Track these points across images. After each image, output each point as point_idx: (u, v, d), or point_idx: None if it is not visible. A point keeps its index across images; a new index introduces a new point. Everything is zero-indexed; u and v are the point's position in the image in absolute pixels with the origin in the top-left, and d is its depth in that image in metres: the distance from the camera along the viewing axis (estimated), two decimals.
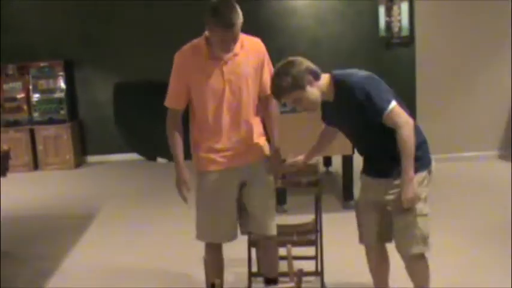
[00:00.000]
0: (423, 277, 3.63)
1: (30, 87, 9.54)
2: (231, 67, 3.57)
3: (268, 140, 3.82)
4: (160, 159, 9.89)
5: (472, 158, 8.52)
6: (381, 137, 3.45)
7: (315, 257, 4.44)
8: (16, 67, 9.53)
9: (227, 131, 3.67)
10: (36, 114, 9.55)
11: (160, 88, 9.62)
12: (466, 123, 8.59)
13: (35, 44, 9.58)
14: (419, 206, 3.42)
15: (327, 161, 8.37)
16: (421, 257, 3.53)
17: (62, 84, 9.57)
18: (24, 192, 7.94)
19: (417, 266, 3.56)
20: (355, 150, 6.50)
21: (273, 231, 3.88)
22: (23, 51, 9.54)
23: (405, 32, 8.69)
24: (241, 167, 3.70)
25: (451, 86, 8.50)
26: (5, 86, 9.56)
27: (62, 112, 9.58)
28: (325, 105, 3.55)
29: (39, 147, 9.54)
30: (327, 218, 4.38)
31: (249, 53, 3.64)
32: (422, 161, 3.46)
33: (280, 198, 6.21)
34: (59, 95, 9.57)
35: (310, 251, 4.39)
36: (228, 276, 3.89)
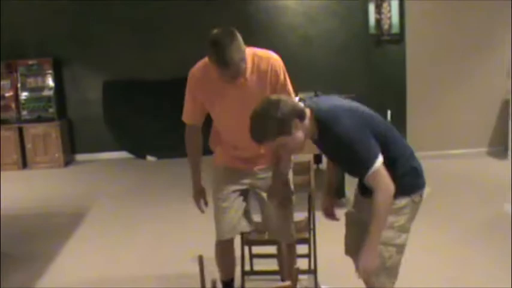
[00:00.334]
0: None
1: (19, 85, 9.46)
2: (242, 89, 3.46)
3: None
4: (149, 157, 9.85)
5: (461, 155, 8.57)
6: None
7: (308, 255, 4.43)
8: (4, 65, 9.44)
9: (242, 147, 3.69)
10: (24, 113, 9.49)
11: (149, 86, 9.73)
12: (456, 120, 8.62)
13: (23, 41, 9.51)
14: (389, 234, 3.12)
15: (318, 159, 8.35)
16: None
17: (51, 82, 9.51)
18: (13, 191, 7.88)
19: None
20: None
21: (290, 239, 3.92)
22: (11, 49, 9.46)
23: (395, 30, 8.68)
24: (254, 172, 3.75)
25: (441, 83, 8.53)
26: None
27: (51, 110, 9.52)
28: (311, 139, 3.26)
29: (28, 145, 9.47)
30: (319, 216, 4.37)
31: (261, 72, 3.51)
32: (404, 187, 3.12)
33: None
34: (48, 93, 9.50)
35: (303, 249, 4.37)
36: (215, 272, 3.86)
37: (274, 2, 9.92)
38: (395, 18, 8.64)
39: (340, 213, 3.61)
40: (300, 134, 3.01)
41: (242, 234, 4.08)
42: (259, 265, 4.54)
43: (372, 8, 9.59)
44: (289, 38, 10.00)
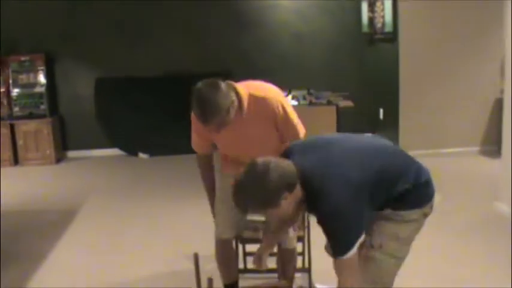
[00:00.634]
0: None
1: (11, 81, 9.40)
2: (240, 128, 3.44)
3: None
4: (141, 155, 9.83)
5: (454, 154, 8.59)
6: None
7: (302, 253, 4.44)
8: None
9: None
10: (16, 109, 9.42)
11: (141, 83, 9.71)
12: (448, 119, 8.65)
13: (15, 38, 9.45)
14: (393, 246, 2.97)
15: None
16: None
17: (43, 79, 9.46)
18: (4, 188, 7.84)
19: None
20: None
21: (292, 245, 3.98)
22: (3, 45, 9.40)
23: (388, 28, 8.69)
24: None
25: (433, 82, 8.55)
26: None
27: (43, 107, 9.46)
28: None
29: (20, 142, 9.42)
30: None
31: (258, 112, 3.46)
32: (414, 202, 2.98)
33: None
34: (40, 89, 9.44)
35: (297, 247, 4.37)
36: (215, 272, 3.86)
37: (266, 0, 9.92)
38: (388, 17, 8.64)
39: None
40: (289, 205, 2.75)
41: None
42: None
43: (365, 6, 9.62)
44: (282, 36, 10.02)
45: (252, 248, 4.50)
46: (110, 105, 9.85)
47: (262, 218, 3.89)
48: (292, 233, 3.87)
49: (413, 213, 2.98)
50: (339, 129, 6.49)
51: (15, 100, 9.42)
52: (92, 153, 10.04)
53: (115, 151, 10.01)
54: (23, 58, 9.38)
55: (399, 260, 3.03)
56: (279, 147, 3.40)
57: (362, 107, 8.90)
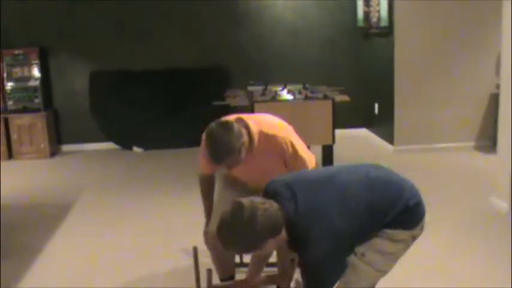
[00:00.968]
0: None
1: (4, 75, 9.36)
2: (254, 162, 3.53)
3: None
4: (136, 148, 9.81)
5: (449, 149, 8.59)
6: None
7: None
8: None
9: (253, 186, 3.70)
10: (10, 103, 9.39)
11: (136, 77, 9.69)
12: (443, 114, 8.65)
13: (9, 31, 9.41)
14: (375, 259, 2.94)
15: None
16: None
17: (37, 73, 9.42)
18: None
19: None
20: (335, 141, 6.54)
21: None
22: None
23: (384, 23, 8.68)
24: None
25: (429, 77, 8.55)
26: None
27: (37, 101, 9.42)
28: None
29: (14, 136, 9.38)
30: None
31: (268, 149, 3.54)
32: (403, 224, 2.95)
33: None
34: (34, 83, 9.40)
35: None
36: (212, 265, 3.85)
37: None
38: (384, 11, 8.63)
39: None
40: (273, 245, 2.81)
41: None
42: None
43: (360, 1, 9.63)
44: (278, 31, 10.01)
45: None
46: (105, 99, 9.82)
47: None
48: None
49: (402, 234, 2.96)
50: (335, 123, 6.48)
51: (9, 94, 9.38)
52: (86, 147, 10.02)
53: (109, 145, 9.99)
54: (16, 52, 9.33)
55: (380, 272, 3.01)
56: None
57: (357, 101, 8.89)
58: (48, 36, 9.64)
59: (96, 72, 9.79)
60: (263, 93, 7.06)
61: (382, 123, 9.35)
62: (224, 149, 3.28)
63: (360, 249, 2.94)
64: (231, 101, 6.90)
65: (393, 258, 3.01)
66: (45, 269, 5.01)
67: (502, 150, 6.05)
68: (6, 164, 8.96)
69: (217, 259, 3.95)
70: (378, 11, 8.87)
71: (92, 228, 6.04)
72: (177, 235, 5.60)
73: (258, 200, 2.75)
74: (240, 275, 4.27)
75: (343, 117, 8.52)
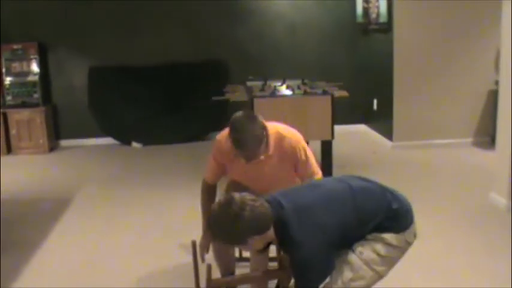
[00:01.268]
0: None
1: (3, 70, 9.34)
2: (265, 166, 3.69)
3: None
4: (134, 144, 9.81)
5: (447, 145, 8.60)
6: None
7: None
8: None
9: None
10: (9, 98, 9.38)
11: (135, 72, 9.69)
12: (442, 110, 8.66)
13: (8, 25, 9.39)
14: (373, 257, 2.98)
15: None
16: None
17: (36, 68, 9.41)
18: None
19: None
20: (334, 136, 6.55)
21: None
22: None
23: (383, 19, 8.68)
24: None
25: (428, 73, 8.56)
26: None
27: (36, 96, 9.41)
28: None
29: (12, 131, 9.38)
30: None
31: (285, 153, 3.69)
32: (392, 228, 3.01)
33: None
34: (33, 78, 9.39)
35: None
36: (213, 261, 3.85)
37: None
38: (383, 7, 8.63)
39: None
40: (259, 243, 2.89)
41: None
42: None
43: None
44: (277, 26, 10.01)
45: None
46: (103, 95, 9.81)
47: None
48: None
49: (394, 238, 3.01)
50: (334, 119, 6.48)
51: (8, 89, 9.37)
52: (84, 143, 10.02)
53: (108, 140, 9.99)
54: (15, 46, 9.32)
55: (375, 274, 3.02)
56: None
57: (356, 97, 8.89)
58: (47, 31, 9.63)
59: (95, 67, 9.78)
60: (262, 89, 7.05)
61: (381, 119, 9.36)
62: (248, 136, 3.43)
63: (357, 248, 3.00)
64: (230, 97, 6.90)
65: (388, 262, 3.04)
66: (43, 264, 5.01)
67: (500, 146, 6.06)
68: (5, 159, 8.96)
69: (218, 255, 3.96)
70: (377, 7, 8.87)
71: (90, 223, 6.04)
72: (176, 230, 5.61)
73: (250, 196, 2.83)
74: (241, 269, 4.28)
75: (342, 114, 8.52)
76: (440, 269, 4.59)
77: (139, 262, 4.96)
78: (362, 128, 10.28)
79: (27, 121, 9.38)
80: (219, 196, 3.87)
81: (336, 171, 6.49)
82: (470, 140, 8.77)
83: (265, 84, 7.33)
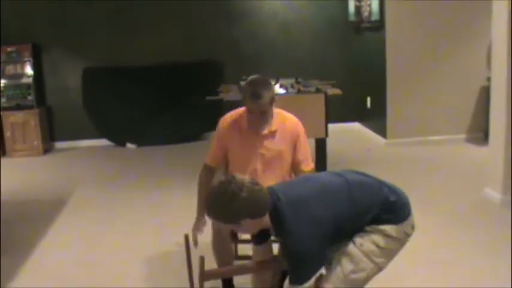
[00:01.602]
0: None
1: None
2: (266, 142, 3.86)
3: None
4: (129, 145, 9.82)
5: (441, 141, 8.64)
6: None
7: None
8: None
9: None
10: (3, 100, 9.37)
11: (129, 73, 9.69)
12: (435, 107, 8.71)
13: (2, 28, 9.37)
14: (372, 248, 3.01)
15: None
16: None
17: (30, 70, 9.41)
18: None
19: None
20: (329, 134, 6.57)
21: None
22: None
23: (375, 17, 8.71)
24: None
25: (420, 70, 8.59)
26: None
27: (30, 98, 9.41)
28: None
29: (7, 133, 9.38)
30: None
31: (287, 131, 3.87)
32: (389, 220, 3.04)
33: None
34: (27, 80, 9.39)
35: None
36: (206, 254, 3.87)
37: None
38: (375, 5, 8.66)
39: None
40: (251, 227, 2.96)
41: None
42: (245, 250, 4.54)
43: None
44: (270, 25, 10.03)
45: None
46: (98, 96, 9.81)
47: None
48: None
49: (393, 229, 3.04)
50: (328, 116, 6.51)
51: (2, 91, 9.37)
52: (79, 144, 10.03)
53: (103, 141, 10.01)
54: (9, 49, 9.32)
55: (375, 266, 3.05)
56: (288, 174, 3.92)
57: (350, 96, 8.93)
58: (41, 33, 9.62)
59: (89, 68, 9.78)
60: (285, 88, 7.08)
61: (375, 117, 9.39)
62: (266, 86, 3.72)
63: (357, 240, 3.03)
64: (224, 96, 6.92)
65: (387, 254, 3.07)
66: (40, 265, 5.02)
67: (493, 142, 6.09)
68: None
69: (216, 249, 3.96)
70: (369, 5, 8.90)
71: (85, 225, 6.05)
72: (170, 231, 5.61)
73: (251, 180, 2.92)
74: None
75: (336, 112, 8.56)
76: (437, 264, 4.62)
77: (134, 262, 4.98)
78: (356, 126, 10.31)
79: (22, 123, 9.37)
80: None
81: (330, 169, 6.49)
82: (463, 136, 8.81)
83: None
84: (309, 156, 3.96)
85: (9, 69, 9.36)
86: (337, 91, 6.79)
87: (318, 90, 6.67)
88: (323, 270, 3.00)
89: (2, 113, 9.36)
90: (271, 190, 2.97)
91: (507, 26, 5.63)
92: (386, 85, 8.64)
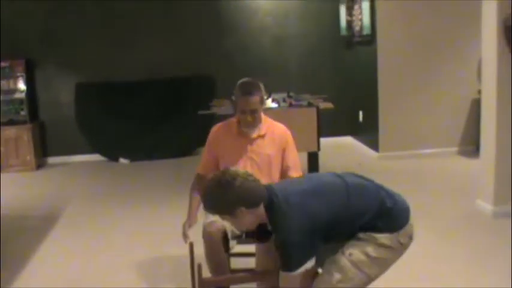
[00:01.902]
0: None
1: None
2: (255, 146, 3.98)
3: None
4: (122, 160, 9.82)
5: (432, 154, 8.68)
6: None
7: None
8: None
9: None
10: None
11: (122, 88, 9.70)
12: (427, 120, 8.75)
13: None
14: (361, 258, 3.01)
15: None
16: None
17: (22, 85, 9.42)
18: None
19: None
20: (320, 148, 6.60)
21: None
22: None
23: (367, 31, 8.76)
24: None
25: (412, 84, 8.64)
26: None
27: (23, 113, 9.43)
28: None
29: (1, 149, 9.36)
30: None
31: (275, 137, 4.00)
32: (383, 227, 3.05)
33: None
34: (20, 95, 9.40)
35: None
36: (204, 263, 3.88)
37: (245, 2, 9.97)
38: (366, 20, 8.72)
39: None
40: (247, 219, 2.99)
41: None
42: (237, 264, 4.54)
43: (343, 9, 9.71)
44: (262, 39, 10.08)
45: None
46: (90, 111, 9.82)
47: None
48: None
49: (386, 238, 3.03)
50: (320, 130, 6.55)
51: None
52: (72, 159, 10.02)
53: (95, 157, 10.01)
54: (3, 64, 9.32)
55: (365, 275, 3.05)
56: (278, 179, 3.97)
57: (342, 110, 8.98)
58: (34, 48, 9.64)
59: (81, 83, 9.80)
60: (276, 102, 7.11)
61: (367, 131, 9.42)
62: (256, 86, 3.93)
63: (347, 249, 3.04)
64: (216, 110, 6.94)
65: (379, 264, 3.06)
66: (32, 280, 5.00)
67: (484, 154, 6.13)
68: None
69: (210, 258, 3.96)
70: (361, 20, 8.95)
71: (78, 240, 6.04)
72: (163, 246, 5.61)
73: (245, 171, 3.08)
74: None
75: (328, 126, 8.58)
76: (429, 275, 4.63)
77: (127, 278, 4.97)
78: (348, 140, 10.34)
79: (15, 138, 9.36)
80: None
81: None
82: (455, 149, 8.85)
83: None
84: (298, 163, 4.08)
85: (3, 84, 9.36)
86: (329, 105, 6.83)
87: (310, 104, 6.71)
88: (320, 270, 3.06)
89: None
90: (269, 187, 3.05)
91: (496, 40, 5.68)
92: (378, 99, 8.68)
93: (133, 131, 9.67)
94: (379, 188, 3.17)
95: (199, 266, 3.22)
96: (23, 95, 9.42)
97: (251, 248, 3.96)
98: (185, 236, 3.86)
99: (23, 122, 9.41)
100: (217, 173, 3.05)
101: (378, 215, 3.02)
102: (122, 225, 6.45)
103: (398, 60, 8.57)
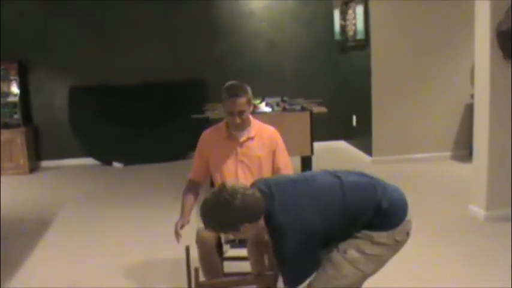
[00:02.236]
0: None
1: None
2: (245, 149, 4.01)
3: None
4: (115, 164, 9.81)
5: (426, 159, 8.70)
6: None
7: None
8: None
9: None
10: None
11: (115, 92, 9.70)
12: (420, 125, 8.77)
13: None
14: (356, 256, 3.03)
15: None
16: None
17: (16, 89, 9.40)
18: None
19: None
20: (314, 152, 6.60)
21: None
22: None
23: (360, 36, 8.78)
24: None
25: (405, 89, 8.66)
26: None
27: (16, 116, 9.40)
28: None
29: None
30: None
31: (264, 139, 4.04)
32: (380, 225, 3.06)
33: None
34: (13, 99, 9.38)
35: None
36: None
37: (239, 7, 9.98)
38: (360, 24, 8.74)
39: None
40: (250, 231, 3.00)
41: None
42: (230, 268, 4.54)
43: (337, 14, 9.73)
44: (256, 44, 10.09)
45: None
46: (84, 114, 9.81)
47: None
48: None
49: (382, 236, 3.04)
50: (313, 134, 6.56)
51: None
52: (65, 163, 10.00)
53: (89, 160, 9.99)
54: None
55: (360, 272, 3.06)
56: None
57: (335, 114, 8.99)
58: (27, 51, 9.63)
59: (75, 87, 9.79)
60: (270, 106, 7.12)
61: (361, 135, 9.44)
62: (242, 88, 3.95)
63: (342, 246, 3.05)
64: (210, 114, 6.94)
65: (375, 260, 3.07)
66: (25, 283, 4.99)
67: (477, 159, 6.14)
68: None
69: (204, 259, 3.96)
70: (354, 24, 8.98)
71: (71, 244, 6.03)
72: (156, 250, 5.61)
73: (242, 185, 2.99)
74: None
75: (321, 130, 8.59)
76: (422, 280, 4.64)
77: (121, 280, 4.96)
78: (342, 144, 10.36)
79: (8, 142, 9.33)
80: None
81: None
82: (448, 153, 8.87)
83: None
84: (289, 163, 4.10)
85: None
86: (322, 109, 6.84)
87: (303, 109, 6.72)
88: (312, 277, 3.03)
89: None
90: (264, 187, 3.02)
91: (489, 45, 5.70)
92: (371, 103, 8.70)
93: (126, 135, 9.66)
94: (376, 187, 3.14)
95: (197, 270, 3.22)
96: (16, 99, 9.38)
97: (244, 252, 3.96)
98: (177, 234, 3.83)
99: (17, 126, 9.38)
100: (214, 192, 2.95)
101: (374, 216, 3.03)
102: (116, 228, 6.44)
103: (391, 65, 8.59)
